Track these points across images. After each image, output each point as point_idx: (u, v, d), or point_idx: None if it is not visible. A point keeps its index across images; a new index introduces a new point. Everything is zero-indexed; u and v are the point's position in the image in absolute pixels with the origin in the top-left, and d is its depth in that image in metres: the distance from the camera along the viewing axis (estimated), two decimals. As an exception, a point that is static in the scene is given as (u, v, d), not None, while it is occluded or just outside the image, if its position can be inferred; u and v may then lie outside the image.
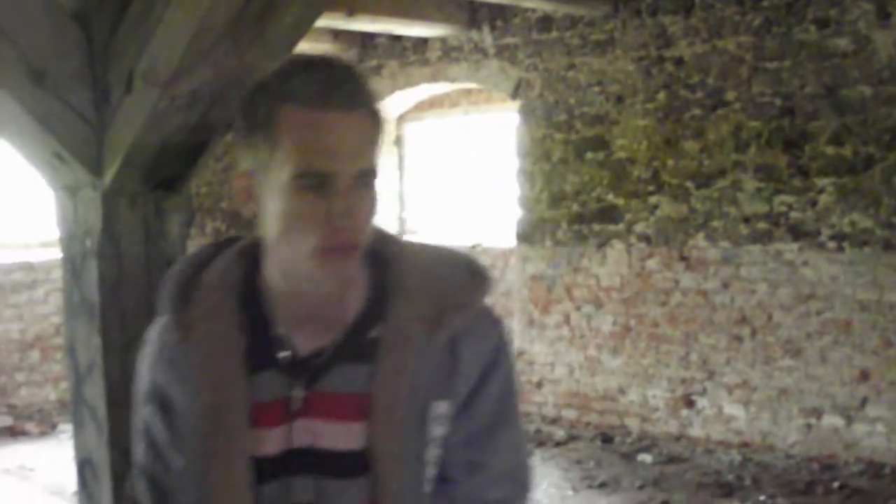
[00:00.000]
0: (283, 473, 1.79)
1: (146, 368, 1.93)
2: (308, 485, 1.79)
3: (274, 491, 1.79)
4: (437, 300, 1.81)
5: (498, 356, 1.86)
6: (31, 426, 9.95)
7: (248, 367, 1.80)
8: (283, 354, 1.80)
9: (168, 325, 1.86)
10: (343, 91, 1.68)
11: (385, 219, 11.38)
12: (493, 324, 1.89)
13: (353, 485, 1.78)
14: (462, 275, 1.86)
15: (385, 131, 1.78)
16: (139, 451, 1.97)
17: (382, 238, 1.86)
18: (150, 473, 1.94)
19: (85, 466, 2.93)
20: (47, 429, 9.90)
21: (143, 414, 1.95)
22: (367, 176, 1.71)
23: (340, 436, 1.78)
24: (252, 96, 1.75)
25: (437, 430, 1.80)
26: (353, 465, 1.77)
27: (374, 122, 1.73)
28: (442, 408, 1.79)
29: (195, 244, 3.00)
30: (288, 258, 1.75)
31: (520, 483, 1.95)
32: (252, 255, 1.86)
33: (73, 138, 2.70)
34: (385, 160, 11.29)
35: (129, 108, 2.62)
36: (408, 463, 1.78)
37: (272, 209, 1.72)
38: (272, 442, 1.79)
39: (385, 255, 1.85)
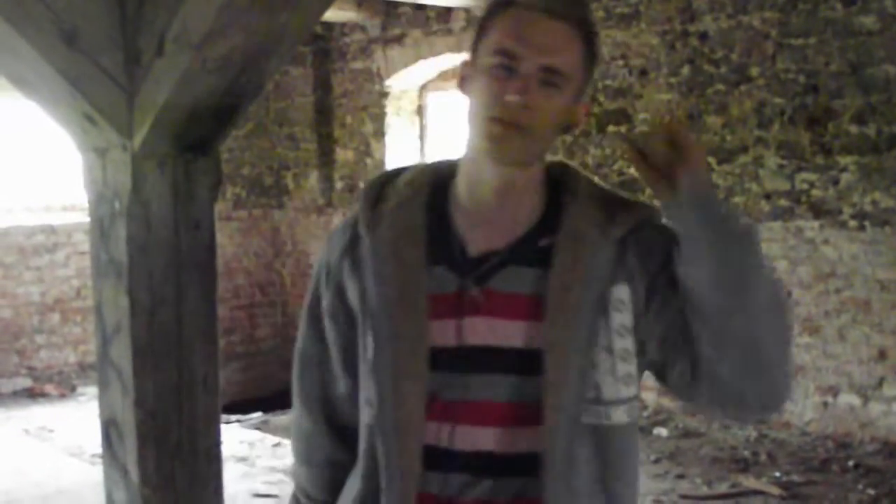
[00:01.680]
0: (458, 369, 1.93)
1: (330, 259, 2.08)
2: (479, 381, 1.93)
3: (446, 381, 1.94)
4: (609, 210, 1.96)
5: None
6: (50, 388, 10.03)
7: (427, 261, 1.96)
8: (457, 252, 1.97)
9: (360, 220, 2.02)
10: (557, 2, 1.87)
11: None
12: (665, 226, 1.98)
13: (524, 382, 1.91)
14: (631, 200, 2.01)
15: (597, 56, 1.95)
16: (304, 338, 2.17)
17: (565, 168, 2.06)
18: (312, 357, 2.15)
19: (110, 427, 2.95)
20: (66, 391, 9.98)
21: (313, 302, 2.13)
22: (551, 73, 1.86)
23: (511, 333, 1.92)
24: (486, 7, 1.96)
25: (619, 318, 1.92)
26: (524, 362, 1.91)
27: (579, 37, 1.90)
28: (622, 292, 1.92)
29: (217, 209, 3.02)
30: (472, 132, 1.92)
31: None
32: (448, 169, 2.05)
33: (104, 100, 2.71)
34: (406, 130, 11.30)
35: (160, 70, 2.63)
36: (577, 360, 1.89)
37: (473, 88, 1.93)
38: (446, 334, 1.93)
39: (563, 179, 2.02)
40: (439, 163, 2.11)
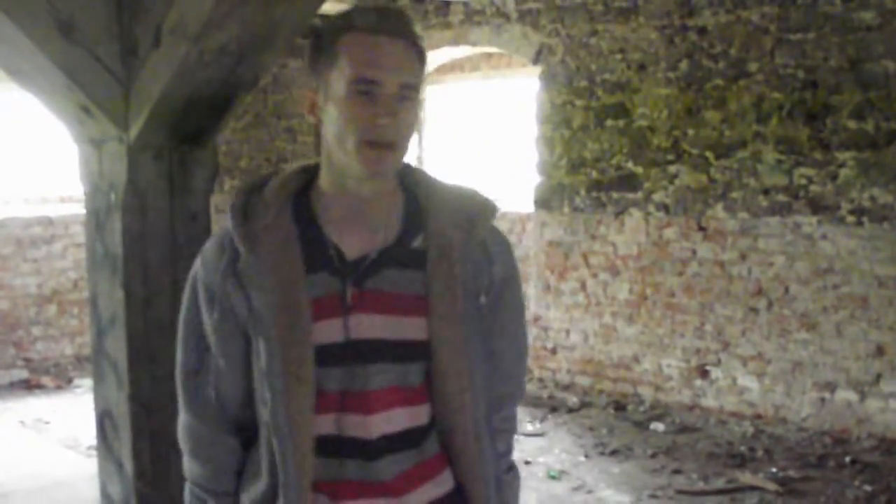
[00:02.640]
0: (349, 361, 2.12)
1: (209, 279, 2.17)
2: (369, 371, 2.13)
3: (336, 375, 2.12)
4: (464, 212, 2.22)
5: (515, 265, 2.35)
6: (47, 380, 10.00)
7: (305, 269, 2.11)
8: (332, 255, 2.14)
9: (235, 238, 2.11)
10: (392, 23, 2.06)
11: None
12: (505, 238, 2.35)
13: (410, 369, 2.17)
14: (476, 195, 2.28)
15: (425, 66, 2.13)
16: (185, 352, 2.24)
17: (410, 169, 2.27)
18: (196, 370, 2.23)
19: (105, 418, 2.95)
20: (63, 383, 9.95)
21: (191, 318, 2.22)
22: (408, 89, 2.05)
23: (397, 327, 2.14)
24: (318, 31, 2.12)
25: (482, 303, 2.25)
26: (413, 352, 2.16)
27: (417, 52, 2.09)
28: (483, 300, 2.24)
29: (214, 201, 3.01)
30: (339, 156, 2.08)
31: (521, 386, 2.48)
32: (308, 173, 2.21)
33: (100, 92, 2.70)
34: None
35: (157, 62, 2.62)
36: (462, 350, 2.18)
37: (331, 115, 2.07)
38: (332, 332, 2.10)
39: (414, 181, 2.26)
40: (296, 173, 2.22)
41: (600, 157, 9.33)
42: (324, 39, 2.09)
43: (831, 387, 8.15)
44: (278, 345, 2.07)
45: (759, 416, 8.53)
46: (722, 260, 8.69)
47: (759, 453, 7.74)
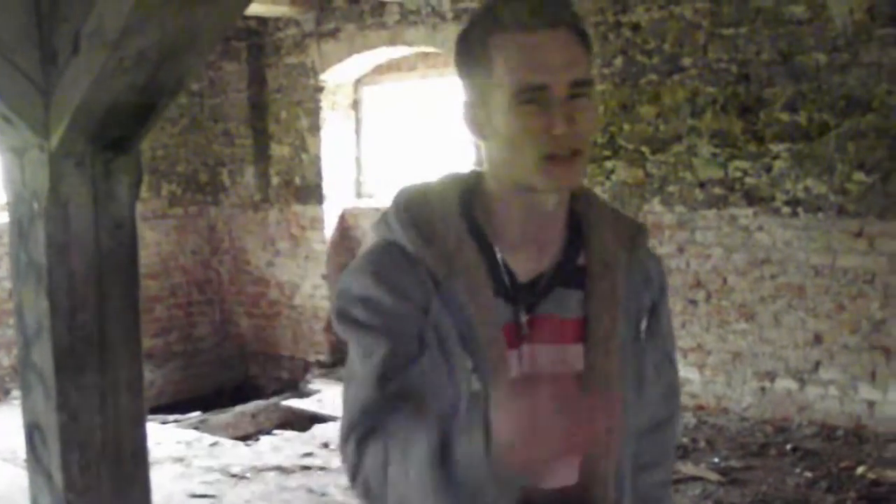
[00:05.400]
0: None
1: (406, 286, 1.82)
2: None
3: None
4: (625, 228, 1.99)
5: (665, 282, 2.08)
6: (-17, 392, 9.89)
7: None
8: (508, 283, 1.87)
9: (429, 261, 1.82)
10: (545, 12, 1.77)
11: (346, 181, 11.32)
12: (658, 256, 2.12)
13: None
14: (628, 215, 2.06)
15: (591, 47, 1.84)
16: (378, 362, 1.82)
17: None
18: (396, 379, 1.81)
19: (33, 430, 2.92)
20: (0, 395, 9.83)
21: (387, 325, 1.82)
22: (580, 86, 1.76)
23: (559, 358, 1.87)
24: (465, 34, 1.86)
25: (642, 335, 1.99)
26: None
27: (580, 37, 1.80)
28: (644, 323, 1.99)
29: (148, 208, 2.98)
30: (516, 172, 1.80)
31: (677, 401, 2.23)
32: (466, 193, 1.92)
33: (20, 99, 2.66)
34: (342, 124, 11.26)
35: (76, 68, 2.59)
36: (614, 384, 1.89)
37: (497, 130, 1.80)
38: (513, 366, 1.84)
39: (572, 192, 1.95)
40: (458, 191, 1.94)
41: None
42: (471, 43, 1.83)
43: (771, 376, 8.23)
44: (488, 369, 1.79)
45: (700, 408, 8.59)
46: (660, 253, 8.74)
47: (702, 444, 7.79)
